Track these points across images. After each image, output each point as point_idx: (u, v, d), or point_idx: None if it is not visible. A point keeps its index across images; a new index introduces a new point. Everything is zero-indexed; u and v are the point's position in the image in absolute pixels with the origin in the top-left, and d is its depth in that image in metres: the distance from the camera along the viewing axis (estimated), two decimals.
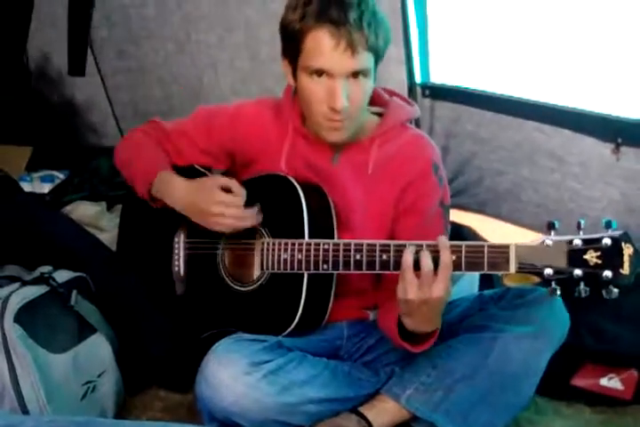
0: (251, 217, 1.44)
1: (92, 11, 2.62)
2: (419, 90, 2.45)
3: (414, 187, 1.49)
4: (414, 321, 1.31)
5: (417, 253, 1.26)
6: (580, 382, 1.69)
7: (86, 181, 2.55)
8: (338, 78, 1.34)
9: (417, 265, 1.26)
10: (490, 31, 2.25)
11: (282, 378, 1.36)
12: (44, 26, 2.77)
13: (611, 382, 1.67)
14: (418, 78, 2.45)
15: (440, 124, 2.46)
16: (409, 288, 1.25)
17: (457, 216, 2.35)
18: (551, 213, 2.26)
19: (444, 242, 1.25)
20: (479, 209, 2.44)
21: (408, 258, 1.26)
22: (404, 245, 1.30)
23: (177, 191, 1.49)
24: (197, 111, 1.61)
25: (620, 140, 2.03)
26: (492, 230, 2.37)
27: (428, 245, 1.27)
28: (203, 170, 1.61)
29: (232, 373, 1.32)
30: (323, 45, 1.32)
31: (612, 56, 2.03)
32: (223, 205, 1.42)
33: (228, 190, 1.44)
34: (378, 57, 1.38)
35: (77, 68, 2.66)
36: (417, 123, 2.45)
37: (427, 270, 1.24)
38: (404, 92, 2.40)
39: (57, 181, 2.67)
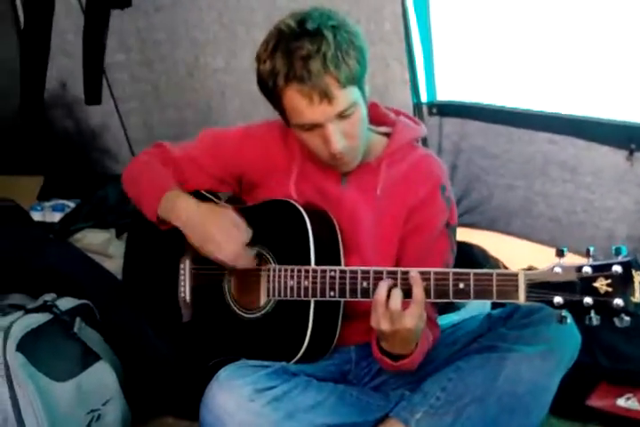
0: (246, 259, 1.44)
1: (105, 40, 2.66)
2: (425, 109, 2.45)
3: (421, 208, 1.48)
4: (388, 345, 1.35)
5: (390, 286, 1.29)
6: (595, 402, 1.65)
7: (95, 209, 2.57)
8: (327, 125, 1.35)
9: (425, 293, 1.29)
10: (494, 44, 2.24)
11: (286, 404, 1.33)
12: (55, 54, 2.82)
13: (628, 403, 1.63)
14: (424, 97, 2.46)
15: (448, 141, 2.45)
16: (381, 321, 1.28)
17: (467, 234, 2.33)
18: (564, 226, 2.24)
19: (415, 279, 1.27)
20: (490, 226, 2.41)
21: (382, 293, 1.28)
22: (407, 272, 1.30)
23: (185, 209, 1.46)
24: (203, 135, 1.61)
25: (633, 146, 2.01)
26: (504, 248, 2.34)
27: (436, 273, 1.28)
28: (208, 195, 1.60)
29: (235, 400, 1.30)
30: (298, 105, 1.33)
31: (620, 61, 2.01)
32: (227, 236, 1.41)
33: None
34: (361, 81, 1.37)
35: (94, 96, 2.71)
36: (424, 141, 2.45)
37: (394, 309, 1.27)
38: (410, 113, 2.40)
39: (67, 210, 2.70)
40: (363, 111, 1.40)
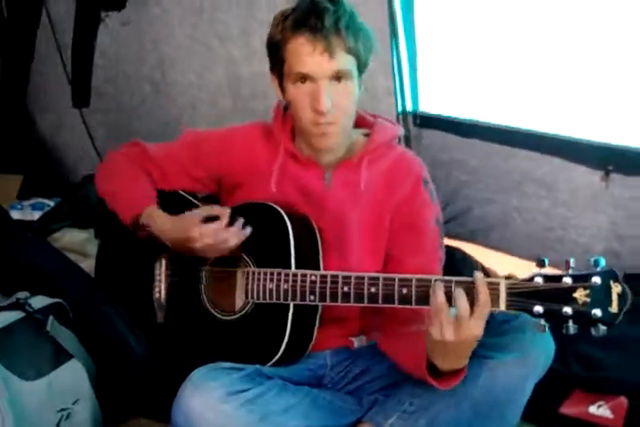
0: (234, 235, 1.42)
1: (94, 43, 2.66)
2: (410, 119, 2.46)
3: (407, 205, 1.50)
4: (447, 361, 1.28)
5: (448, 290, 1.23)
6: (568, 409, 1.66)
7: (75, 208, 2.55)
8: (320, 81, 1.37)
9: (406, 300, 1.28)
10: (478, 59, 2.27)
11: (260, 407, 1.32)
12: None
13: (600, 410, 1.63)
14: (409, 107, 2.47)
15: (428, 153, 2.45)
16: (446, 330, 1.21)
17: (448, 243, 2.34)
18: (541, 241, 2.26)
19: (480, 279, 1.22)
20: (469, 238, 2.43)
21: (441, 297, 1.22)
22: (393, 279, 1.30)
23: (161, 231, 1.49)
24: (185, 135, 1.62)
25: (610, 168, 2.03)
26: (484, 259, 2.35)
27: (418, 280, 1.28)
28: (187, 196, 1.60)
29: (208, 402, 1.29)
30: (301, 51, 1.36)
31: (601, 83, 2.04)
32: (201, 228, 1.41)
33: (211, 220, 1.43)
34: (360, 61, 1.40)
35: (81, 99, 2.70)
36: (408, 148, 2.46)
37: (463, 312, 1.21)
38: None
39: (47, 209, 2.68)
40: (355, 89, 1.41)
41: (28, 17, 2.69)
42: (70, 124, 2.94)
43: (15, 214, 2.60)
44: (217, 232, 1.42)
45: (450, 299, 1.23)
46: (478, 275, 1.24)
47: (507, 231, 2.35)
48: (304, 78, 1.38)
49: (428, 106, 2.47)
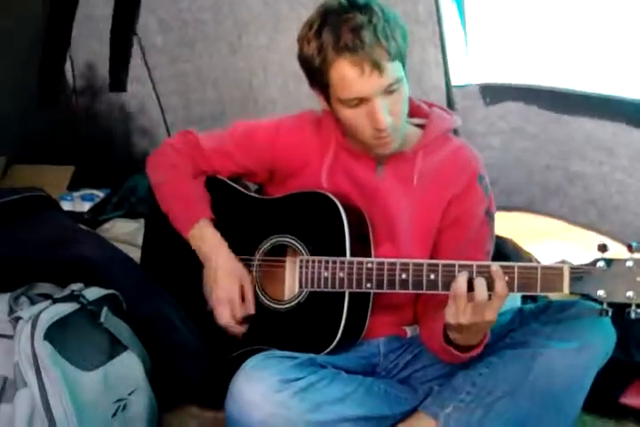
0: (239, 328, 1.49)
1: (133, 33, 2.70)
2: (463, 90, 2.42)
3: (460, 199, 1.48)
4: (462, 337, 1.32)
5: (470, 278, 1.27)
6: (629, 400, 1.63)
7: (125, 199, 2.58)
8: (374, 99, 1.33)
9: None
10: (533, 24, 2.23)
11: (313, 395, 1.32)
12: (87, 39, 2.86)
13: None
14: (462, 79, 2.43)
15: (486, 122, 2.44)
16: (461, 314, 1.27)
17: (503, 218, 2.29)
18: (599, 208, 2.23)
19: (497, 272, 1.26)
20: (527, 208, 2.39)
21: (462, 284, 1.27)
22: (453, 265, 1.30)
23: (210, 256, 1.51)
24: (235, 127, 1.60)
25: None
26: (540, 231, 2.31)
27: (478, 266, 1.28)
28: (235, 185, 1.59)
29: (261, 390, 1.29)
30: (348, 76, 1.32)
31: None
32: (226, 305, 1.47)
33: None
34: (403, 59, 1.37)
35: (119, 83, 2.73)
36: (455, 131, 2.43)
37: (481, 299, 1.25)
38: (443, 95, 2.39)
39: (97, 200, 2.72)
40: (406, 89, 1.39)
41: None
42: (138, 97, 3.00)
43: (65, 205, 2.61)
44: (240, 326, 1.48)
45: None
46: (494, 268, 1.26)
47: (565, 198, 2.31)
48: (357, 101, 1.34)
49: (484, 75, 2.43)
